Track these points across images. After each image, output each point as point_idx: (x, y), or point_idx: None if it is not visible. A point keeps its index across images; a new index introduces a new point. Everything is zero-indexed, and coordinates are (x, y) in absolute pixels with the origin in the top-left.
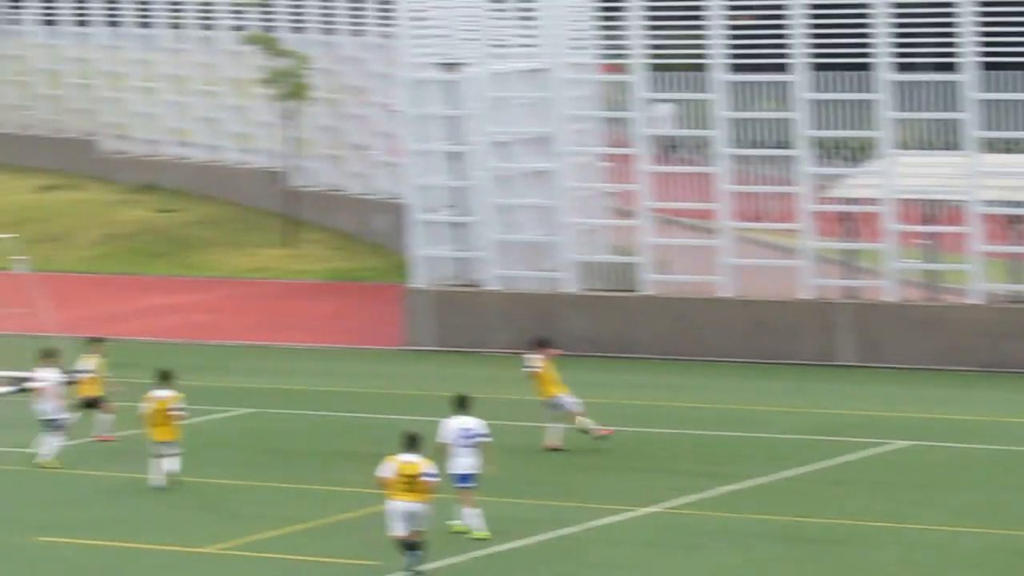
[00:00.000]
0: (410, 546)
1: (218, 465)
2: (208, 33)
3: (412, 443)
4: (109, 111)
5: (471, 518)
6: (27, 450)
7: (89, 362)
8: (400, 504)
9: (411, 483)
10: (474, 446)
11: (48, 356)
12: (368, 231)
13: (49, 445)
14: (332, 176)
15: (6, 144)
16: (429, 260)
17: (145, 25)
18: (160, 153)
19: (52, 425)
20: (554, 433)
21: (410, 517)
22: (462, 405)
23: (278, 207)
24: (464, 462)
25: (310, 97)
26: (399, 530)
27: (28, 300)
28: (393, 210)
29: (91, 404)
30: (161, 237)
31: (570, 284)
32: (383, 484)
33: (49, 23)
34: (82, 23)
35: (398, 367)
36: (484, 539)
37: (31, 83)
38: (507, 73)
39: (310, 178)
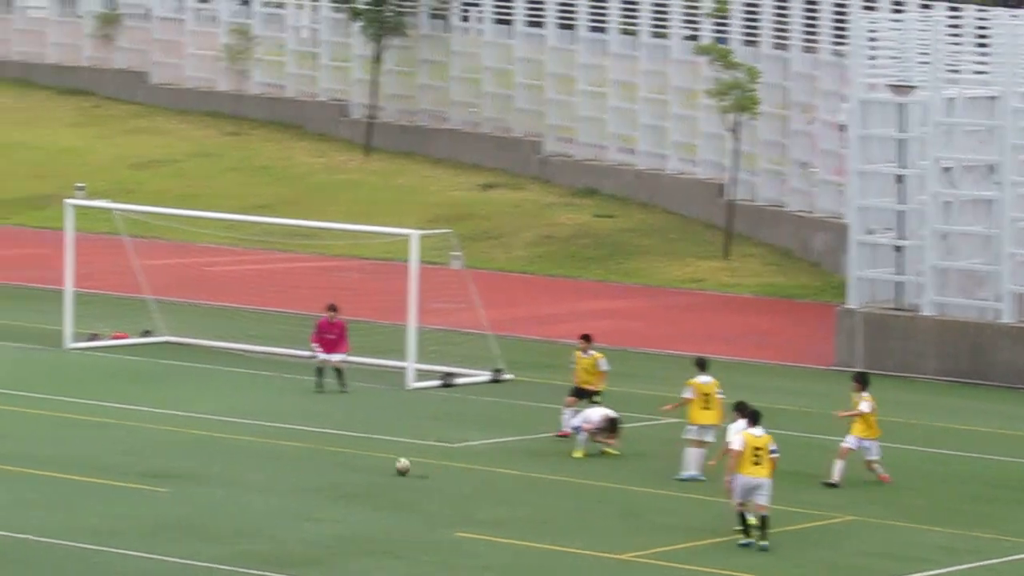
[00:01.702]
0: (758, 519)
1: (642, 473)
2: (660, 41)
3: (755, 418)
4: (555, 113)
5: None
6: (451, 445)
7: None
8: (747, 478)
9: (759, 456)
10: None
11: None
12: (806, 249)
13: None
14: (773, 191)
15: (452, 140)
16: (865, 282)
17: (597, 29)
18: (603, 158)
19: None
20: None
21: (754, 490)
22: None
23: (716, 219)
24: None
25: (757, 111)
26: (742, 498)
27: (460, 296)
28: (832, 229)
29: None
30: (597, 242)
31: (1007, 315)
32: (732, 457)
33: (502, 22)
34: (535, 24)
35: (825, 386)
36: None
37: (480, 81)
38: (957, 98)
39: (751, 192)
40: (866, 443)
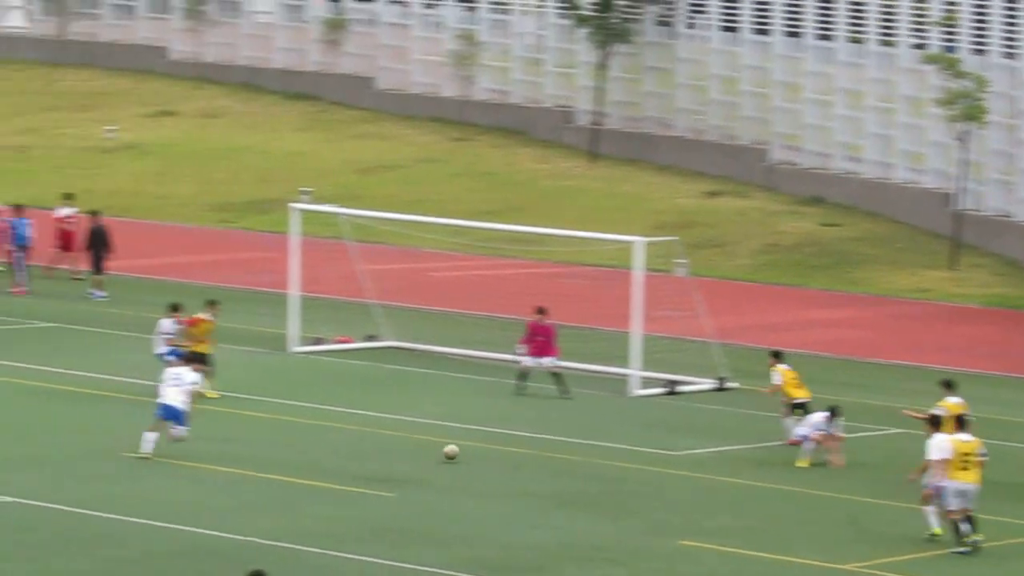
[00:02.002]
0: (965, 520)
1: (867, 483)
2: (888, 50)
3: (963, 424)
4: (781, 121)
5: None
6: (675, 453)
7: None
8: (957, 483)
9: (967, 462)
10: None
11: None
12: None
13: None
14: (1000, 201)
15: (677, 147)
16: None
17: (825, 38)
18: (829, 167)
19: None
20: None
21: (964, 495)
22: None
23: (943, 229)
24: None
25: (985, 120)
26: (954, 506)
27: (685, 304)
28: None
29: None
30: (823, 251)
31: None
32: (938, 466)
33: (728, 29)
34: (762, 31)
35: None
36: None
37: (706, 88)
38: None
39: (978, 202)
40: None
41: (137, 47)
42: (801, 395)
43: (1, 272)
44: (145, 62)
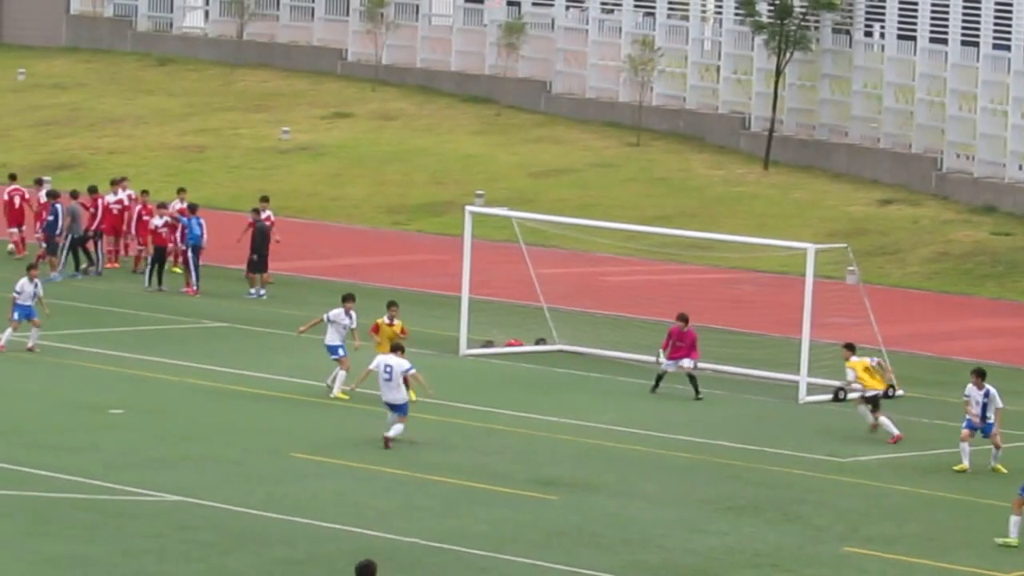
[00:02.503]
0: None
1: None
2: None
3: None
4: (955, 130)
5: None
6: (841, 460)
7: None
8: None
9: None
10: None
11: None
12: None
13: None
14: None
15: (851, 155)
16: None
17: (1000, 47)
18: (1003, 176)
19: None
20: None
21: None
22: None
23: None
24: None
25: None
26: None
27: (855, 311)
28: None
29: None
30: (994, 259)
31: None
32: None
33: (905, 38)
34: (938, 40)
35: None
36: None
37: (881, 96)
38: None
39: None
40: None
41: (314, 48)
42: (874, 385)
43: (176, 273)
44: (322, 64)
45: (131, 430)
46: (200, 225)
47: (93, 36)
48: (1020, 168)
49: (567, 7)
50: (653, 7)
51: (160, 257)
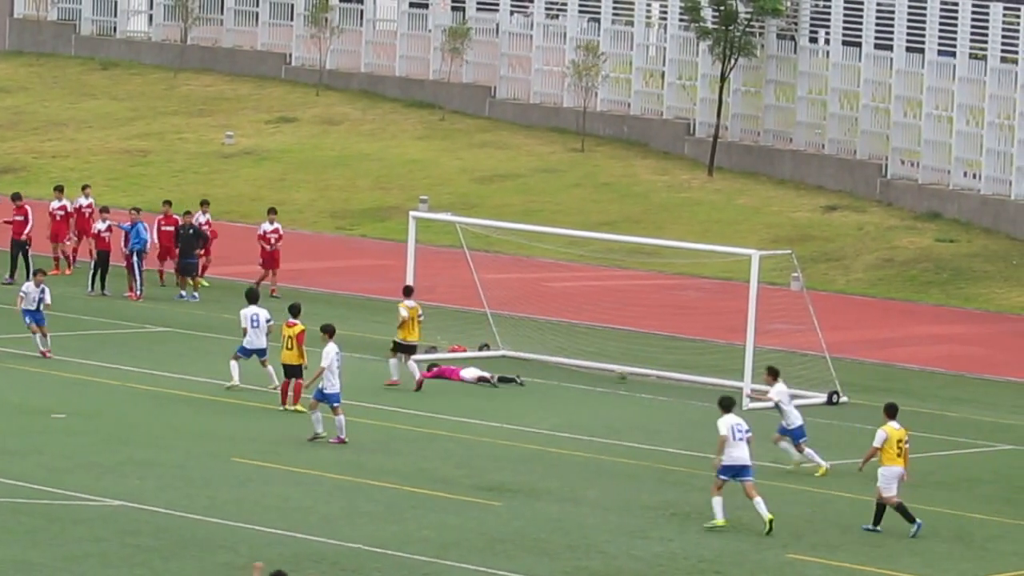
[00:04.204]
0: (899, 507)
1: (975, 499)
2: (1008, 66)
3: (894, 412)
4: (900, 136)
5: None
6: (784, 466)
7: None
8: (894, 468)
9: (901, 448)
10: (747, 440)
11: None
12: None
13: None
14: None
15: (796, 161)
16: None
17: (945, 53)
18: (947, 182)
19: None
20: None
21: (899, 479)
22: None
23: None
24: (739, 454)
25: None
26: (892, 491)
27: (799, 318)
28: None
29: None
30: (938, 266)
31: None
32: (878, 453)
33: (850, 44)
34: (883, 47)
35: None
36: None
37: (826, 102)
38: None
39: None
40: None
41: (258, 53)
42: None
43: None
44: (266, 68)
45: (73, 434)
46: (144, 229)
47: (37, 40)
48: (965, 175)
49: (511, 12)
50: (598, 12)
51: (103, 262)
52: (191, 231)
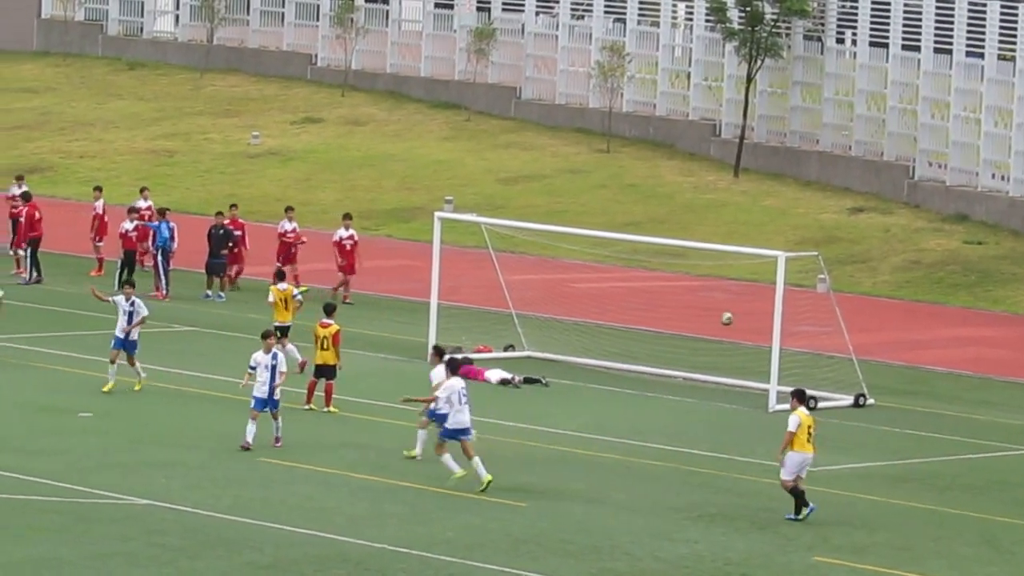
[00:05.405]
0: (799, 492)
1: (1002, 502)
2: None
3: (803, 397)
4: (928, 138)
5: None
6: (811, 468)
7: None
8: (803, 455)
9: (810, 435)
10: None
11: None
12: None
13: None
14: None
15: (822, 162)
16: None
17: (974, 55)
18: (975, 184)
19: None
20: None
21: (805, 465)
22: (455, 369)
23: None
24: (463, 419)
25: None
26: (793, 476)
27: (825, 319)
28: None
29: None
30: (966, 268)
31: None
32: (791, 438)
33: (877, 45)
34: (910, 47)
35: None
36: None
37: (853, 103)
38: None
39: None
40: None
41: (284, 53)
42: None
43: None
44: (292, 69)
45: (100, 433)
46: (170, 229)
47: (64, 40)
48: (992, 176)
49: (537, 13)
50: (624, 13)
51: (130, 261)
52: (221, 231)
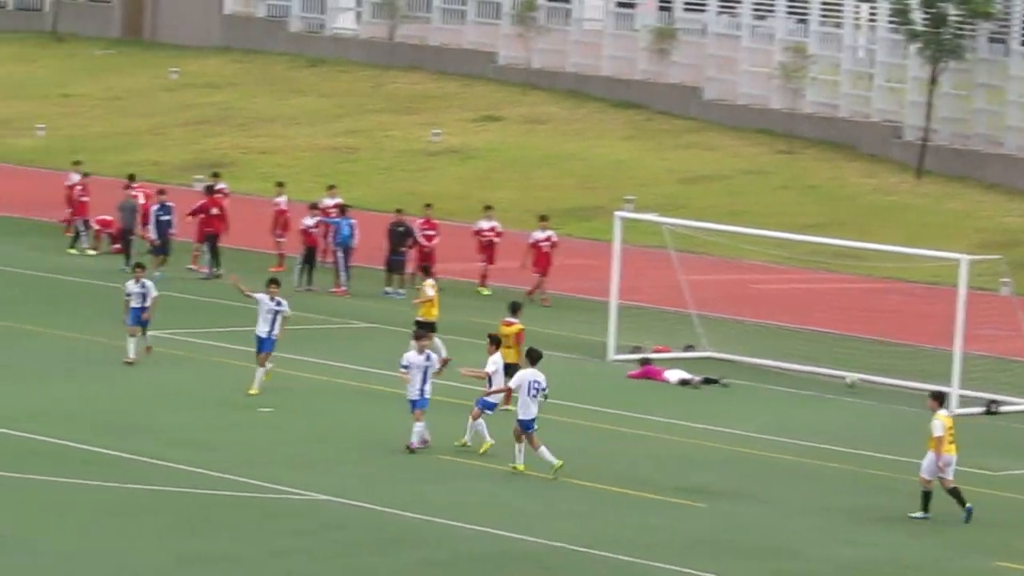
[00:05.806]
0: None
1: None
2: None
3: (942, 398)
4: None
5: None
6: (993, 473)
7: None
8: (948, 456)
9: (953, 436)
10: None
11: None
12: None
13: None
14: None
15: (1006, 165)
16: None
17: None
18: None
19: None
20: None
21: (950, 466)
22: (533, 360)
23: None
24: (531, 411)
25: None
26: (932, 475)
27: (1008, 323)
28: None
29: None
30: None
31: None
32: (936, 441)
33: None
34: None
35: None
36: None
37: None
38: None
39: None
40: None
41: (465, 52)
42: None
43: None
44: (473, 67)
45: (280, 428)
46: (350, 226)
47: (246, 36)
48: None
49: (719, 13)
50: (806, 14)
51: (311, 257)
52: (401, 229)
